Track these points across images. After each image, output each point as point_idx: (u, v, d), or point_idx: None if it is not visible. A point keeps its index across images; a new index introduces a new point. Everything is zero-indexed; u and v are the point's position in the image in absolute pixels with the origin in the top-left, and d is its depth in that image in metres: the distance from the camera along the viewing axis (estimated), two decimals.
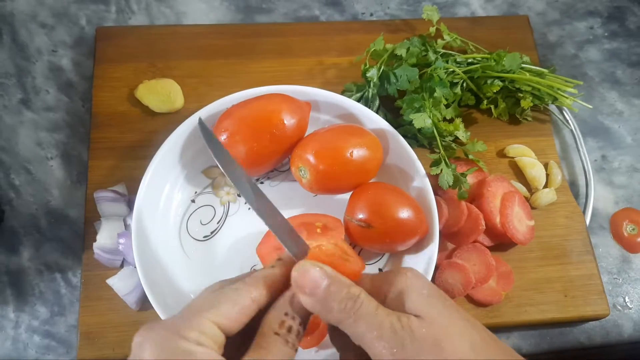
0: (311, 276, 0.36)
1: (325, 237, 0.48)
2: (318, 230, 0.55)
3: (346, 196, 0.59)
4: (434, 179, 0.62)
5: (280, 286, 0.38)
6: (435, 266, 0.57)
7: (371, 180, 0.60)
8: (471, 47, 0.73)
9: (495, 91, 0.68)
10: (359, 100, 0.67)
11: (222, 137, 0.57)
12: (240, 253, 0.60)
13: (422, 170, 0.60)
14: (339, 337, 0.39)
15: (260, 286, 0.37)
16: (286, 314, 0.36)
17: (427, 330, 0.35)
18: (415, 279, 0.38)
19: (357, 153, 0.57)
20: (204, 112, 0.61)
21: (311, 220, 0.57)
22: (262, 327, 0.36)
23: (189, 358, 0.32)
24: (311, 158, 0.57)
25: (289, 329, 0.36)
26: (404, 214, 0.56)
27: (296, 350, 0.36)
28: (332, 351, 0.54)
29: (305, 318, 0.37)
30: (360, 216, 0.56)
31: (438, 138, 0.64)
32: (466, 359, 0.34)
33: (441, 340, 0.34)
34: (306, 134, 0.61)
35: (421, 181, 0.60)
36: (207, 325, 0.34)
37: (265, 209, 0.42)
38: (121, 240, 0.59)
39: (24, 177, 0.65)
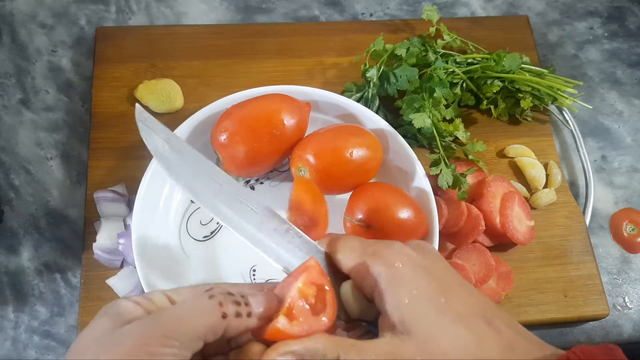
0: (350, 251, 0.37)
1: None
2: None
3: (346, 196, 0.59)
4: (434, 179, 0.62)
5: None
6: None
7: (371, 180, 0.60)
8: (471, 47, 0.73)
9: (495, 91, 0.68)
10: (358, 100, 0.67)
11: (222, 137, 0.57)
12: (240, 253, 0.60)
13: (422, 171, 0.60)
14: None
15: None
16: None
17: (420, 356, 0.34)
18: (405, 270, 0.36)
19: (357, 153, 0.57)
20: (204, 112, 0.61)
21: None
22: None
23: None
24: (311, 158, 0.57)
25: (229, 296, 0.34)
26: (404, 214, 0.56)
27: (225, 318, 0.33)
28: None
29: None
30: (360, 216, 0.56)
31: (438, 138, 0.64)
32: None
33: None
34: (306, 134, 0.61)
35: (421, 181, 0.60)
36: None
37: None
38: (121, 241, 0.59)
39: (24, 177, 0.65)
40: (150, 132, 0.50)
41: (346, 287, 0.39)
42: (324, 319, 0.36)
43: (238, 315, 0.33)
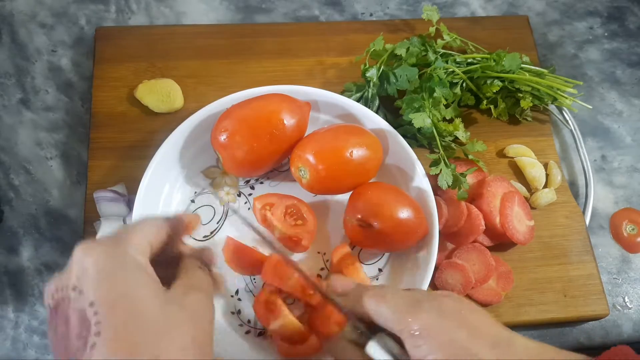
0: (344, 282, 0.47)
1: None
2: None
3: (346, 196, 0.59)
4: (434, 179, 0.62)
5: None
6: (435, 266, 0.57)
7: (371, 180, 0.60)
8: (471, 47, 0.73)
9: (495, 91, 0.68)
10: (358, 100, 0.67)
11: (222, 137, 0.57)
12: None
13: (422, 170, 0.60)
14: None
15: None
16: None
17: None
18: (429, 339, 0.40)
19: (357, 153, 0.57)
20: (204, 112, 0.61)
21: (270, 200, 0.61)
22: (184, 263, 0.42)
23: (135, 265, 0.36)
24: (311, 158, 0.57)
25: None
26: (404, 214, 0.56)
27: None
28: None
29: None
30: (360, 216, 0.56)
31: (437, 138, 0.64)
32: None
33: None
34: (306, 134, 0.61)
35: (421, 181, 0.60)
36: (144, 242, 0.39)
37: None
38: None
39: (24, 177, 0.65)
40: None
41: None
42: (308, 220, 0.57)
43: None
